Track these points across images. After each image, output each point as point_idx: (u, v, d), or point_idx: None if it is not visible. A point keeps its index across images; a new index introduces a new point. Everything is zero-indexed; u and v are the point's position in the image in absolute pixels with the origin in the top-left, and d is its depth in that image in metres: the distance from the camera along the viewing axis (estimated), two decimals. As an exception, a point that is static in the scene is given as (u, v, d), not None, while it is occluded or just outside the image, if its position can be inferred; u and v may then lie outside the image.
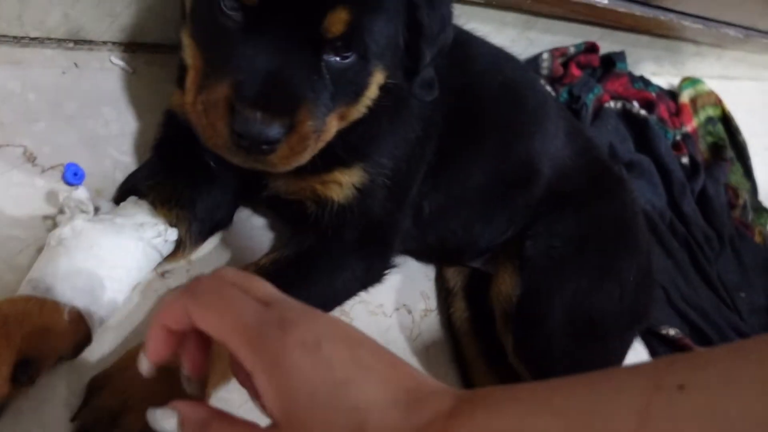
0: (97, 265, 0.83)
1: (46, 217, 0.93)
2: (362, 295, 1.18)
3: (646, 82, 2.64)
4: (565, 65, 2.12)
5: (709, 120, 2.71)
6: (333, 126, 0.89)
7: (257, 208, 1.17)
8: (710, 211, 2.26)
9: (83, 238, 0.84)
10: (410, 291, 1.33)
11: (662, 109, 2.41)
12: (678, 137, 2.43)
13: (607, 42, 2.23)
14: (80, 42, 1.12)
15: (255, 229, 1.16)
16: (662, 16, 2.10)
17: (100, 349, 0.90)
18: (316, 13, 0.77)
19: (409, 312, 1.30)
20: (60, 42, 1.10)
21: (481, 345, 1.27)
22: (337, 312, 1.16)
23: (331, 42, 0.80)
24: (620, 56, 2.33)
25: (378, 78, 0.90)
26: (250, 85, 0.77)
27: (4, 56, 1.04)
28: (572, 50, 2.11)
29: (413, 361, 1.24)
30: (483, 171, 1.19)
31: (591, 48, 2.16)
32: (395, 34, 0.86)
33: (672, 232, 2.09)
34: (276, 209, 1.15)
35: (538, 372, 1.18)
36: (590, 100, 2.15)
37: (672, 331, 1.71)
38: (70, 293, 0.80)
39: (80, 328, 0.82)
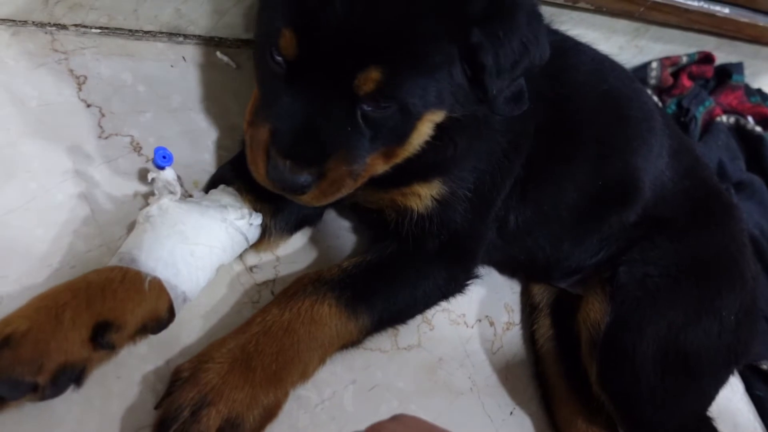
0: (180, 241, 0.86)
1: (136, 195, 0.97)
2: (444, 303, 1.18)
3: (765, 96, 2.46)
4: (676, 75, 2.01)
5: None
6: (378, 165, 0.91)
7: (343, 212, 1.17)
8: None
9: (168, 216, 0.88)
10: (494, 303, 1.30)
11: (780, 127, 2.24)
12: (792, 158, 2.26)
13: (724, 52, 2.09)
14: (189, 37, 1.16)
15: (341, 231, 1.17)
16: (788, 27, 1.95)
17: (188, 337, 0.93)
18: (348, 70, 0.79)
19: (492, 324, 1.27)
20: (171, 36, 1.14)
21: (563, 367, 1.23)
22: (418, 320, 1.16)
23: (368, 95, 0.81)
24: (737, 68, 2.18)
25: (429, 120, 0.89)
26: (285, 135, 0.83)
27: (119, 48, 1.09)
28: (684, 60, 2.00)
29: (493, 375, 1.21)
30: (577, 187, 1.15)
31: (706, 58, 2.04)
32: (449, 80, 0.85)
33: (780, 260, 1.95)
34: (359, 215, 1.15)
35: (622, 405, 1.14)
36: (700, 113, 2.03)
37: (772, 367, 1.60)
38: (152, 264, 0.84)
39: (162, 299, 0.85)
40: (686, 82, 1.99)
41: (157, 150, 0.95)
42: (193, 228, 0.88)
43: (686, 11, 1.64)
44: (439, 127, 0.92)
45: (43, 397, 0.74)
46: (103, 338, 0.78)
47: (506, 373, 1.23)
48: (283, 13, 0.80)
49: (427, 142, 0.93)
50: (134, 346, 0.88)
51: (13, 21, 1.00)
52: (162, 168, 0.93)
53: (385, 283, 1.01)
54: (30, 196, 0.91)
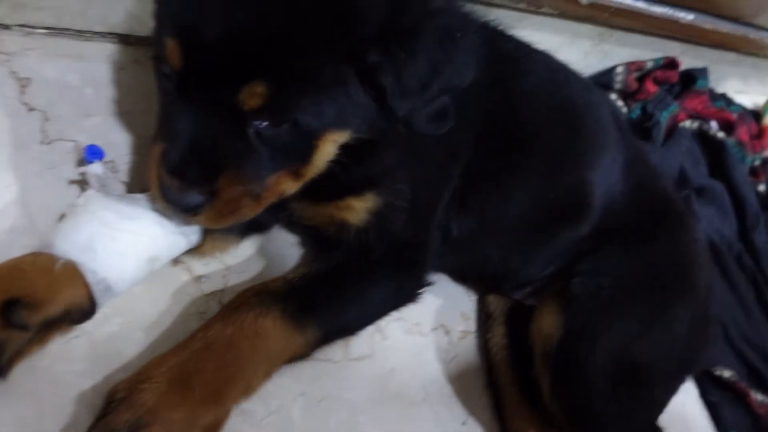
0: (99, 225, 0.86)
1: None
2: (398, 313, 1.16)
3: (728, 101, 2.49)
4: (641, 80, 2.02)
5: (796, 144, 2.54)
6: (286, 184, 0.90)
7: (288, 226, 1.16)
8: (784, 244, 2.12)
9: (91, 204, 0.88)
10: (450, 311, 1.30)
11: (742, 132, 2.26)
12: (757, 162, 2.29)
13: (689, 57, 2.11)
14: (141, 39, 1.13)
15: (288, 245, 1.16)
16: (752, 34, 1.97)
17: (129, 351, 0.92)
18: (233, 84, 0.77)
19: (447, 332, 1.27)
20: (122, 38, 1.11)
21: (516, 376, 1.23)
22: (371, 330, 1.15)
23: (255, 111, 0.79)
24: (702, 73, 2.20)
25: (331, 140, 0.88)
26: (173, 154, 0.81)
27: (66, 49, 1.06)
28: (650, 65, 2.01)
29: (447, 384, 1.21)
30: (524, 199, 1.15)
31: (671, 63, 2.05)
32: (347, 100, 0.84)
33: (739, 265, 1.98)
34: (302, 230, 1.14)
35: (574, 417, 1.14)
36: (665, 118, 2.05)
37: (727, 373, 1.62)
38: (66, 248, 0.84)
39: (77, 283, 0.85)
40: (651, 87, 2.00)
41: (87, 147, 0.95)
42: (117, 214, 0.87)
43: (650, 17, 1.64)
44: (365, 144, 0.90)
45: None
46: (12, 315, 0.78)
47: (460, 383, 1.23)
48: (169, 23, 0.78)
49: (351, 156, 0.91)
50: (70, 362, 0.87)
51: (-47, 21, 0.97)
52: (89, 161, 0.92)
53: (332, 294, 1.00)
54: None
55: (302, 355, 0.98)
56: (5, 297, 0.78)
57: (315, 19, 0.77)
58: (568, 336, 1.13)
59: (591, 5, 1.48)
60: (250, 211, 0.90)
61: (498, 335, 1.28)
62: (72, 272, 0.83)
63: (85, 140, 1.00)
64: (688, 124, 2.10)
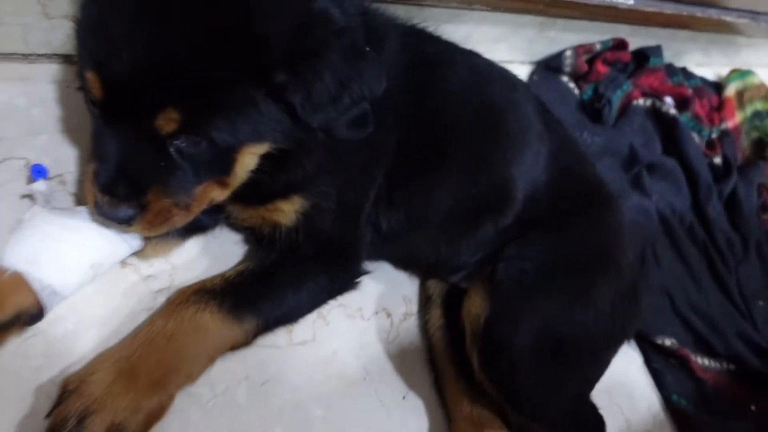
0: (42, 239, 0.96)
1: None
2: (341, 299, 1.27)
3: (688, 75, 2.56)
4: (591, 62, 2.08)
5: (757, 114, 2.59)
6: (213, 193, 1.00)
7: (231, 227, 1.25)
8: (738, 214, 2.20)
9: (36, 219, 0.98)
10: (392, 295, 1.40)
11: (698, 106, 2.33)
12: (714, 135, 2.37)
13: (640, 37, 2.16)
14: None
15: (232, 243, 1.25)
16: (699, 12, 2.02)
17: (83, 347, 1.02)
18: (149, 112, 0.86)
19: (389, 315, 1.37)
20: (65, 58, 1.19)
21: (451, 353, 1.33)
22: (313, 316, 1.25)
23: (172, 134, 0.88)
24: (655, 51, 2.26)
25: (250, 153, 0.97)
26: (103, 173, 0.91)
27: (12, 72, 1.15)
28: (598, 47, 2.07)
29: (388, 363, 1.31)
30: (447, 195, 1.23)
31: (620, 44, 2.11)
32: (260, 117, 0.92)
33: (691, 237, 2.06)
34: (241, 230, 1.24)
35: (503, 390, 1.23)
36: (618, 97, 2.11)
37: (668, 341, 1.72)
38: (13, 260, 0.95)
39: (24, 290, 0.95)
40: (601, 68, 2.07)
41: (32, 167, 1.05)
42: (59, 227, 0.97)
43: (586, 6, 1.70)
44: (286, 152, 0.99)
45: None
46: None
47: (401, 361, 1.33)
48: (88, 59, 0.87)
49: (274, 164, 1.00)
50: (28, 359, 0.97)
51: None
52: (34, 179, 1.03)
53: (268, 288, 1.10)
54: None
55: (243, 343, 1.09)
56: None
57: (218, 49, 0.85)
58: (492, 317, 1.22)
59: (523, -1, 1.55)
60: (182, 219, 0.99)
61: (435, 317, 1.38)
62: (19, 281, 0.94)
63: (35, 157, 1.10)
64: (641, 102, 2.16)
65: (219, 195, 1.02)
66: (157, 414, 0.97)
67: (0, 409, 0.93)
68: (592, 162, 1.46)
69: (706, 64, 2.72)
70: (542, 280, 1.25)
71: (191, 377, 1.01)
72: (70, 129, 1.15)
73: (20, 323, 0.95)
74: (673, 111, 2.16)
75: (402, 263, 1.41)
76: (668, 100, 2.27)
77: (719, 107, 2.52)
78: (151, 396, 0.95)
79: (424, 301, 1.42)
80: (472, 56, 1.32)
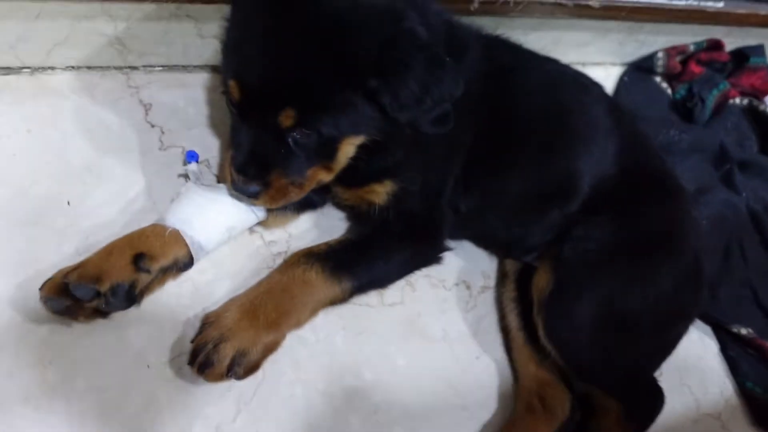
0: (193, 206, 1.27)
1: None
2: (426, 270, 1.50)
3: (799, 73, 2.52)
4: (685, 62, 2.15)
5: None
6: (321, 175, 1.25)
7: (336, 206, 1.52)
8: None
9: (189, 191, 1.29)
10: (472, 270, 1.61)
11: (803, 105, 2.31)
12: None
13: (738, 37, 2.19)
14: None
15: (337, 219, 1.51)
16: (798, 10, 2.03)
17: (219, 292, 1.31)
18: (274, 110, 1.12)
19: (468, 287, 1.58)
20: (214, 68, 1.51)
21: (522, 322, 1.51)
22: (402, 283, 1.48)
23: (290, 127, 1.13)
24: (756, 50, 2.27)
25: (350, 143, 1.20)
26: (238, 158, 1.18)
27: (175, 80, 1.48)
28: (692, 48, 2.13)
29: (465, 328, 1.52)
30: (518, 183, 1.43)
31: (715, 45, 2.16)
32: (358, 114, 1.15)
33: (784, 234, 2.08)
34: (344, 209, 1.50)
35: (565, 356, 1.40)
36: (713, 95, 2.16)
37: (744, 330, 1.78)
38: (173, 221, 1.25)
39: (180, 244, 1.25)
40: (695, 68, 2.13)
41: (187, 153, 1.37)
42: (205, 199, 1.28)
43: (671, 10, 1.80)
44: (379, 143, 1.22)
45: (107, 303, 1.14)
46: (140, 263, 1.19)
47: (476, 327, 1.53)
48: (230, 70, 1.15)
49: (370, 153, 1.24)
50: (181, 299, 1.28)
51: (100, 67, 1.42)
52: (188, 162, 1.35)
53: (363, 256, 1.34)
54: (116, 193, 1.32)
55: (341, 299, 1.32)
56: (135, 252, 1.19)
57: (324, 63, 1.09)
58: (556, 289, 1.39)
59: (604, 7, 1.69)
60: (296, 195, 1.25)
61: (510, 290, 1.57)
62: (177, 237, 1.24)
63: (189, 145, 1.41)
64: (737, 101, 2.20)
65: (326, 177, 1.27)
66: (272, 347, 1.23)
67: (159, 335, 1.24)
68: (662, 157, 1.59)
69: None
70: (604, 259, 1.40)
71: (299, 322, 1.27)
72: (215, 124, 1.47)
73: (176, 269, 1.26)
74: (770, 110, 2.19)
75: (481, 242, 1.62)
76: (768, 99, 2.29)
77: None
78: (268, 332, 1.21)
79: (501, 276, 1.61)
80: (546, 63, 1.50)
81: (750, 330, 1.80)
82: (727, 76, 2.27)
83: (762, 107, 2.20)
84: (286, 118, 1.12)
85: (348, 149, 1.23)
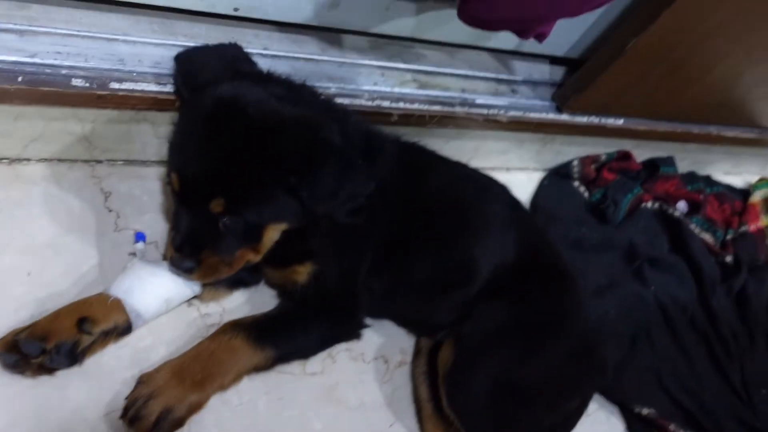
0: (136, 279, 1.45)
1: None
2: (347, 345, 1.69)
3: (711, 183, 2.82)
4: (599, 170, 2.43)
5: (783, 219, 2.78)
6: (249, 256, 1.44)
7: (268, 283, 1.72)
8: (746, 309, 2.39)
9: (134, 266, 1.49)
10: (391, 346, 1.79)
11: (710, 210, 2.58)
12: (729, 236, 2.59)
13: (647, 149, 2.49)
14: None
15: (269, 296, 1.71)
16: (696, 129, 2.34)
17: (155, 356, 1.48)
18: (206, 199, 1.32)
19: (386, 362, 1.75)
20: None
21: (431, 393, 1.68)
22: (323, 355, 1.66)
23: (220, 214, 1.34)
24: (666, 161, 2.56)
25: (274, 229, 1.41)
26: (176, 238, 1.38)
27: (134, 173, 1.72)
28: (604, 157, 2.42)
29: (381, 398, 1.69)
30: (423, 270, 1.63)
31: (624, 156, 2.44)
32: (280, 205, 1.36)
33: (693, 326, 2.28)
34: (273, 286, 1.71)
35: (465, 424, 1.57)
36: (628, 199, 2.43)
37: (645, 410, 1.95)
38: (115, 291, 1.43)
39: (120, 311, 1.42)
40: (608, 175, 2.40)
41: (136, 234, 1.60)
42: (147, 273, 1.47)
43: (572, 126, 2.08)
44: (301, 229, 1.43)
45: (52, 360, 1.31)
46: (83, 325, 1.37)
47: (391, 397, 1.69)
48: (173, 164, 1.38)
49: (292, 237, 1.44)
50: (120, 360, 1.45)
51: (69, 160, 1.66)
52: (136, 242, 1.57)
53: (284, 328, 1.53)
54: (71, 267, 1.52)
55: (264, 366, 1.49)
56: (79, 315, 1.37)
57: (250, 162, 1.31)
58: (456, 363, 1.57)
59: (512, 121, 1.96)
60: (226, 272, 1.44)
61: (422, 364, 1.74)
62: (118, 305, 1.42)
63: (141, 229, 1.63)
64: (649, 205, 2.47)
65: (253, 257, 1.46)
66: (196, 406, 1.38)
67: (97, 392, 1.39)
68: (557, 249, 1.82)
69: (735, 173, 2.97)
70: (499, 337, 1.59)
71: (223, 385, 1.43)
72: (165, 210, 1.69)
73: (116, 333, 1.43)
74: (678, 213, 2.44)
75: (397, 321, 1.81)
76: (681, 204, 2.56)
77: (742, 212, 2.74)
78: (193, 392, 1.37)
79: (416, 352, 1.79)
80: (454, 166, 1.75)
81: (653, 410, 1.97)
82: (642, 182, 2.54)
83: (671, 210, 2.46)
84: (216, 206, 1.33)
85: (272, 234, 1.43)
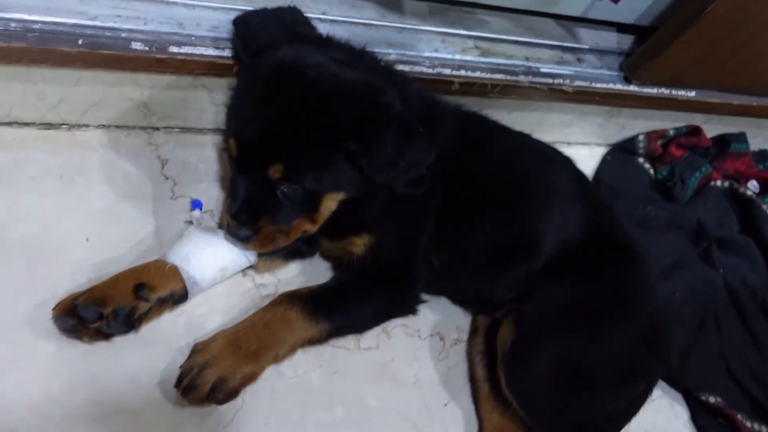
0: (192, 247, 1.44)
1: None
2: (402, 320, 1.65)
3: (787, 160, 2.66)
4: (666, 146, 2.31)
5: None
6: (306, 225, 1.40)
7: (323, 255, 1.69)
8: (824, 295, 2.25)
9: (190, 234, 1.48)
10: (447, 323, 1.74)
11: (785, 189, 2.44)
12: (803, 218, 2.44)
13: (718, 124, 2.35)
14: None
15: (324, 268, 1.68)
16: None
17: (210, 326, 1.47)
18: (265, 165, 1.29)
19: (442, 339, 1.71)
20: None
21: (488, 373, 1.63)
22: (378, 330, 1.63)
23: (278, 180, 1.30)
24: (738, 137, 2.41)
25: (332, 199, 1.36)
26: (233, 206, 1.35)
27: (190, 140, 1.70)
28: (672, 132, 2.29)
29: (435, 375, 1.65)
30: (484, 242, 1.57)
31: (694, 131, 2.31)
32: (338, 173, 1.31)
33: (763, 310, 2.16)
34: (329, 258, 1.67)
35: (524, 405, 1.51)
36: (696, 177, 2.30)
37: (713, 399, 1.86)
38: (173, 258, 1.43)
39: (177, 278, 1.41)
40: (675, 151, 2.28)
41: (192, 201, 1.58)
42: (203, 241, 1.45)
43: (643, 98, 1.97)
44: (359, 199, 1.39)
45: (109, 325, 1.31)
46: (140, 292, 1.36)
47: (446, 376, 1.65)
48: (231, 130, 1.35)
49: (350, 208, 1.40)
50: (175, 328, 1.44)
51: (127, 126, 1.65)
52: (193, 210, 1.55)
53: (340, 301, 1.50)
54: (129, 234, 1.52)
55: (318, 340, 1.47)
56: (136, 282, 1.37)
57: (309, 127, 1.27)
58: (517, 343, 1.51)
59: (577, 92, 1.87)
60: (283, 242, 1.41)
61: (479, 343, 1.69)
62: (175, 272, 1.41)
63: (197, 197, 1.61)
64: (719, 183, 2.34)
65: (310, 228, 1.43)
66: (250, 377, 1.37)
67: (152, 359, 1.39)
68: (623, 225, 1.73)
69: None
70: (563, 318, 1.53)
71: (278, 357, 1.42)
72: (222, 179, 1.67)
73: (172, 301, 1.42)
74: (750, 192, 2.31)
75: (454, 298, 1.76)
76: (752, 183, 2.42)
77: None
78: (248, 363, 1.36)
79: (473, 330, 1.74)
80: (516, 136, 1.68)
81: (719, 399, 1.88)
82: (711, 160, 2.41)
83: (742, 190, 2.32)
84: (275, 172, 1.29)
85: (330, 204, 1.39)
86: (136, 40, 1.43)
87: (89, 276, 1.42)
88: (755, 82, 2.13)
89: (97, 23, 1.43)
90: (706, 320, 2.04)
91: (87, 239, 1.48)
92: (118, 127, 1.65)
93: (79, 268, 1.43)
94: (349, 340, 1.59)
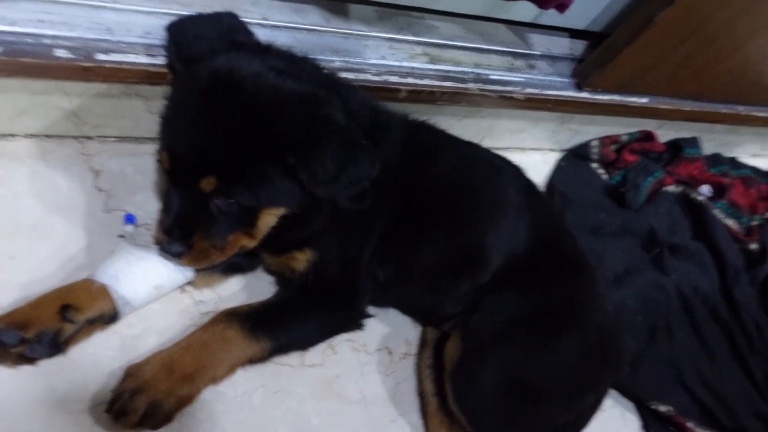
0: (123, 263, 1.37)
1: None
2: (349, 335, 1.61)
3: (737, 165, 2.69)
4: (619, 151, 2.30)
5: (813, 204, 2.64)
6: (243, 241, 1.36)
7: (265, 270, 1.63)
8: (770, 300, 2.28)
9: (121, 250, 1.41)
10: (396, 337, 1.70)
11: (735, 194, 2.45)
12: (754, 222, 2.46)
13: (671, 130, 2.36)
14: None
15: (267, 283, 1.62)
16: (724, 109, 2.20)
17: (145, 347, 1.41)
18: (197, 178, 1.24)
19: (390, 353, 1.67)
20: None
21: (436, 388, 1.59)
22: (324, 346, 1.58)
23: (212, 194, 1.25)
24: (690, 142, 2.43)
25: (270, 214, 1.32)
26: (166, 221, 1.31)
27: (126, 150, 1.63)
28: (625, 138, 2.29)
29: (383, 392, 1.60)
30: (429, 255, 1.54)
31: (647, 136, 2.32)
32: (276, 187, 1.27)
33: (714, 317, 2.17)
34: (271, 273, 1.62)
35: (471, 420, 1.48)
36: (649, 182, 2.31)
37: (663, 408, 1.86)
38: (101, 276, 1.35)
39: (106, 298, 1.34)
40: (629, 157, 2.28)
41: (126, 216, 1.52)
42: (135, 257, 1.39)
43: (595, 104, 1.96)
44: (301, 213, 1.34)
45: (32, 349, 1.23)
46: (66, 313, 1.28)
47: (394, 392, 1.61)
48: (164, 141, 1.29)
49: (291, 223, 1.35)
50: (108, 350, 1.38)
51: (58, 136, 1.57)
52: (126, 224, 1.49)
53: (282, 318, 1.45)
54: (58, 251, 1.44)
55: (259, 358, 1.42)
56: (62, 303, 1.29)
57: (244, 139, 1.22)
58: (463, 357, 1.48)
59: (528, 99, 1.85)
60: (218, 258, 1.36)
61: (427, 357, 1.65)
62: (104, 291, 1.34)
63: (133, 210, 1.54)
64: (671, 189, 2.35)
65: (248, 243, 1.38)
66: (186, 400, 1.31)
67: (82, 384, 1.32)
68: (573, 235, 1.71)
69: (764, 155, 2.84)
70: (510, 330, 1.50)
71: (215, 378, 1.36)
72: (159, 190, 1.60)
73: (102, 321, 1.35)
74: (701, 198, 2.32)
75: (402, 310, 1.72)
76: (704, 188, 2.44)
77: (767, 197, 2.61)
78: (183, 386, 1.30)
79: (421, 344, 1.70)
80: (464, 146, 1.65)
81: (670, 408, 1.87)
82: (665, 165, 2.42)
83: (693, 195, 2.33)
84: (207, 185, 1.24)
85: (268, 219, 1.35)
86: (60, 47, 1.36)
87: (15, 297, 1.34)
88: (706, 88, 2.14)
89: (17, 29, 1.35)
90: (658, 327, 2.04)
91: (13, 257, 1.40)
92: (48, 136, 1.57)
93: (4, 288, 1.35)
94: (292, 357, 1.53)
